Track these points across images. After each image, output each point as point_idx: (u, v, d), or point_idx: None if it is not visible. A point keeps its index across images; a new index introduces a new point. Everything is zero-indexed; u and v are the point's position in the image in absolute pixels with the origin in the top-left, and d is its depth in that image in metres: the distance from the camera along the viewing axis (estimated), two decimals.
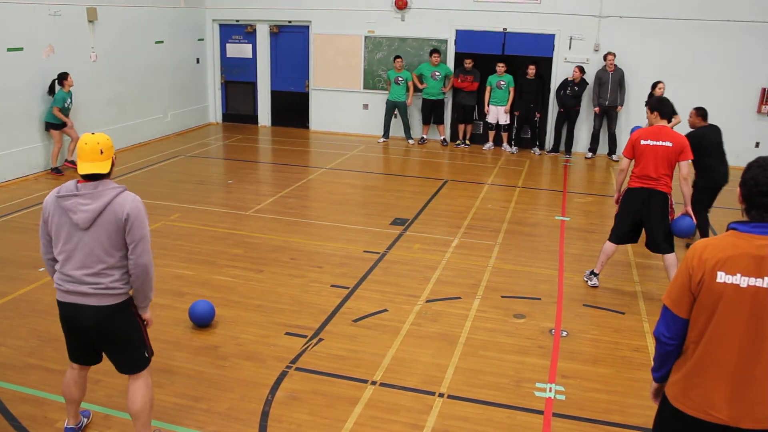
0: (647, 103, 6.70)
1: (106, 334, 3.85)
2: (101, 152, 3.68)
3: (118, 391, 4.71)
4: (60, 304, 3.83)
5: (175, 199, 9.62)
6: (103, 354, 4.03)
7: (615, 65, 12.86)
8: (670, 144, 6.37)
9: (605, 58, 12.92)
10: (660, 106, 6.60)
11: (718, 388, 2.81)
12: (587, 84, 13.09)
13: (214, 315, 5.86)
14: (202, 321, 5.78)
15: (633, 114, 13.07)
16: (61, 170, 11.00)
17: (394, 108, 14.31)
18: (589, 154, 13.57)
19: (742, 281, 2.71)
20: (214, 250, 7.70)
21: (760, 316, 2.71)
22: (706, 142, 7.78)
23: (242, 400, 4.79)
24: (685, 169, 6.42)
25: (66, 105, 10.75)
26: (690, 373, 2.89)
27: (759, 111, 12.89)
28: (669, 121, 6.61)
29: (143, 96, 13.34)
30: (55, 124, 10.73)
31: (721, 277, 2.73)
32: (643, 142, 6.45)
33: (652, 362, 3.14)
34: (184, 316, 5.88)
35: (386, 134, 14.53)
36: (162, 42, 13.76)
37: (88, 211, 3.64)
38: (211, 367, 5.22)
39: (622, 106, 13.12)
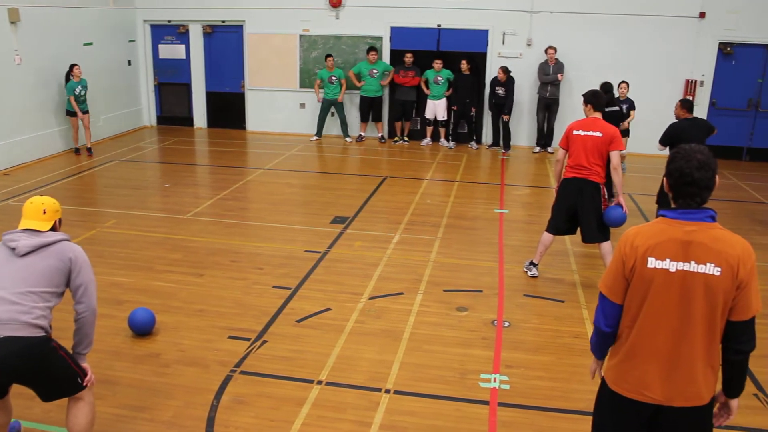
0: (583, 96, 6.91)
1: (28, 373, 3.63)
2: (44, 212, 3.74)
3: (55, 406, 4.55)
4: None
5: (110, 206, 9.39)
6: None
7: (556, 59, 13.10)
8: (600, 134, 6.55)
9: (546, 51, 13.17)
10: (593, 98, 6.77)
11: (651, 370, 2.92)
12: (514, 81, 13.29)
13: (155, 322, 5.75)
14: (142, 329, 5.66)
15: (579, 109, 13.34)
16: (80, 150, 12.56)
17: (329, 107, 14.28)
18: (537, 149, 13.80)
19: (671, 266, 2.82)
20: (153, 255, 7.54)
21: (689, 299, 2.82)
22: (682, 134, 7.85)
23: (187, 407, 4.71)
24: (615, 159, 6.58)
25: (77, 93, 12.06)
26: (625, 356, 2.99)
27: None
28: (602, 114, 6.80)
29: None
30: (71, 111, 12.16)
31: (652, 262, 2.84)
32: (575, 132, 6.65)
33: (591, 346, 3.24)
34: (124, 324, 5.75)
35: (319, 132, 14.49)
36: (91, 44, 13.38)
37: (29, 244, 3.62)
38: (154, 375, 5.12)
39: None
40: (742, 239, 2.86)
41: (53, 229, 3.79)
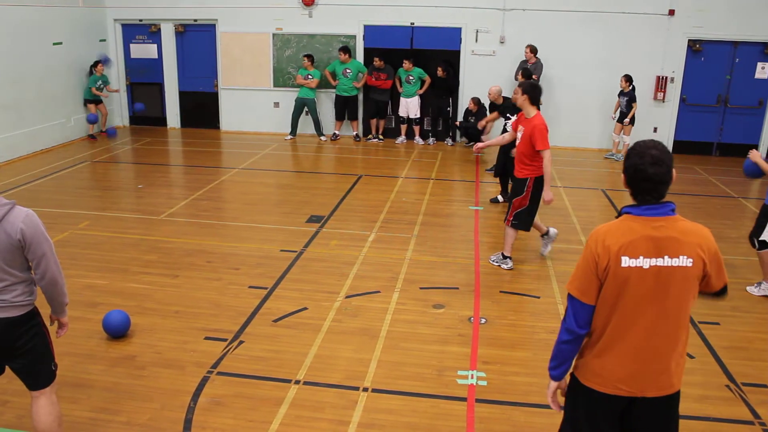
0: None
1: (12, 348, 3.67)
2: None
3: (28, 411, 4.51)
4: None
5: (83, 207, 9.28)
6: (7, 369, 3.84)
7: (537, 59, 13.11)
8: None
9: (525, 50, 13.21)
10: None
11: (626, 364, 2.96)
12: (486, 110, 13.32)
13: (130, 324, 5.70)
14: (117, 331, 5.61)
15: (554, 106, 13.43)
16: (95, 137, 14.02)
17: (302, 106, 14.25)
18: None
19: (645, 263, 2.86)
20: (127, 257, 7.47)
21: (663, 293, 2.87)
22: None
23: (163, 409, 4.68)
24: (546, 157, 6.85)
25: (98, 86, 13.69)
26: (599, 353, 3.02)
27: (655, 98, 13.54)
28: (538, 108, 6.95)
29: (43, 100, 12.75)
30: (90, 99, 13.75)
31: (626, 261, 2.86)
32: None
33: (551, 360, 3.17)
34: (98, 327, 5.69)
35: (293, 131, 14.45)
36: (60, 43, 13.19)
37: None
38: (129, 377, 5.08)
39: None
40: (701, 225, 2.96)
41: None
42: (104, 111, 14.20)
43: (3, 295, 3.55)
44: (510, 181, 8.77)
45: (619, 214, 3.02)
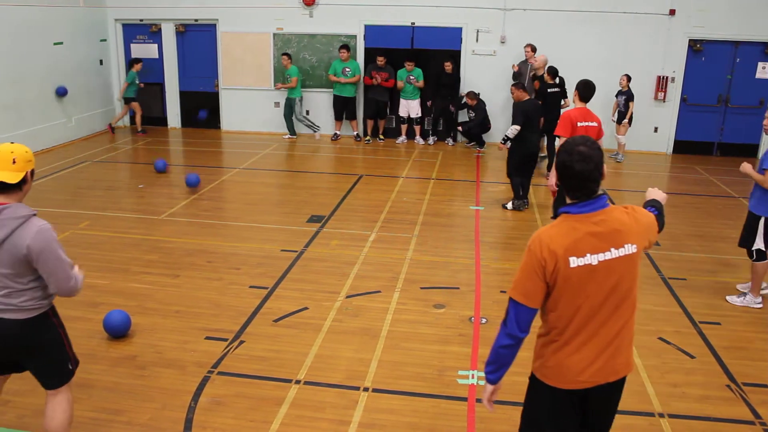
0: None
1: (26, 348, 3.66)
2: (13, 161, 3.42)
3: (30, 411, 4.53)
4: None
5: (84, 207, 9.28)
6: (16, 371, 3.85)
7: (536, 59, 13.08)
8: (595, 124, 7.39)
9: (524, 49, 13.16)
10: (583, 90, 7.53)
11: (588, 357, 3.00)
12: (485, 104, 13.35)
13: (131, 324, 5.70)
14: (118, 331, 5.62)
15: None
16: (145, 131, 14.71)
17: (290, 105, 14.29)
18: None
19: (593, 260, 2.89)
20: (128, 257, 7.48)
21: (615, 283, 2.93)
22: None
23: (164, 409, 4.69)
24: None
25: (135, 82, 14.08)
26: (556, 351, 3.05)
27: (655, 98, 13.53)
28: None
29: (44, 100, 12.78)
30: (131, 98, 14.24)
31: (574, 261, 2.88)
32: (579, 124, 7.28)
33: (488, 364, 3.15)
34: (99, 327, 5.69)
35: (292, 131, 14.46)
36: (61, 43, 13.20)
37: None
38: (130, 377, 5.08)
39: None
40: (630, 206, 3.08)
41: (24, 180, 3.49)
42: (139, 110, 14.42)
43: (10, 299, 3.53)
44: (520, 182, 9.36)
45: (557, 215, 3.04)
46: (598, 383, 3.04)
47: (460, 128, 13.84)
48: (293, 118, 14.34)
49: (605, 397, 3.15)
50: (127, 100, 14.37)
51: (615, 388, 3.15)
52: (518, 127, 9.07)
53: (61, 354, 3.80)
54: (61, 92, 13.30)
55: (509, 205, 9.49)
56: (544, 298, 2.98)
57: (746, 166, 6.40)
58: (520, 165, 9.37)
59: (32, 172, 3.58)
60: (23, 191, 3.54)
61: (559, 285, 2.91)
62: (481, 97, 13.48)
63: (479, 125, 13.41)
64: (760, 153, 11.76)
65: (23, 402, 4.60)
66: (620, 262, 2.91)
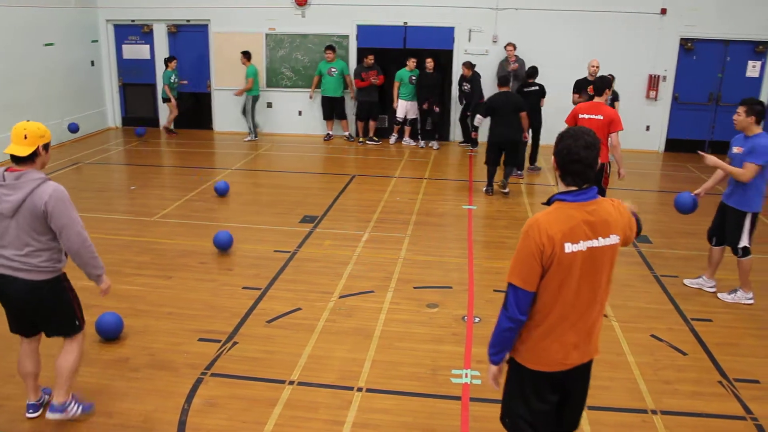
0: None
1: (36, 307, 4.14)
2: (25, 137, 3.96)
3: (21, 416, 4.51)
4: None
5: (76, 209, 9.22)
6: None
7: (516, 56, 13.11)
8: (601, 117, 7.75)
9: (505, 48, 13.20)
10: (600, 83, 8.07)
11: (569, 341, 3.15)
12: (479, 76, 13.31)
13: (123, 326, 5.69)
14: (111, 333, 5.59)
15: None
16: (174, 131, 14.78)
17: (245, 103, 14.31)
18: None
19: (583, 246, 3.02)
20: (120, 258, 7.45)
21: (598, 270, 3.08)
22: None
23: (157, 411, 4.67)
24: (614, 139, 7.87)
25: (172, 81, 14.09)
26: (542, 336, 3.16)
27: (647, 96, 13.58)
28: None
29: (35, 101, 12.66)
30: (166, 98, 14.25)
31: (569, 247, 3.01)
32: (581, 116, 7.73)
33: (492, 347, 3.28)
34: (91, 329, 5.64)
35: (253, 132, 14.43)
36: (52, 44, 13.16)
37: (10, 201, 3.91)
38: (123, 380, 5.06)
39: None
40: (616, 200, 3.24)
41: (36, 153, 4.02)
42: (175, 110, 14.49)
43: (30, 258, 4.01)
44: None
45: (550, 202, 3.14)
46: (574, 364, 3.20)
47: (469, 114, 13.45)
48: (245, 115, 14.34)
49: (581, 377, 3.34)
50: (164, 100, 14.40)
51: (587, 368, 3.34)
52: (481, 117, 10.39)
53: (69, 315, 4.29)
54: (73, 129, 13.38)
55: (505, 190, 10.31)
56: (538, 282, 3.08)
57: (713, 159, 6.50)
58: (487, 153, 10.31)
59: (46, 146, 4.12)
60: (36, 163, 4.06)
61: (553, 269, 3.02)
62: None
63: (480, 95, 13.17)
64: None
65: (15, 406, 4.57)
66: (604, 251, 3.07)
